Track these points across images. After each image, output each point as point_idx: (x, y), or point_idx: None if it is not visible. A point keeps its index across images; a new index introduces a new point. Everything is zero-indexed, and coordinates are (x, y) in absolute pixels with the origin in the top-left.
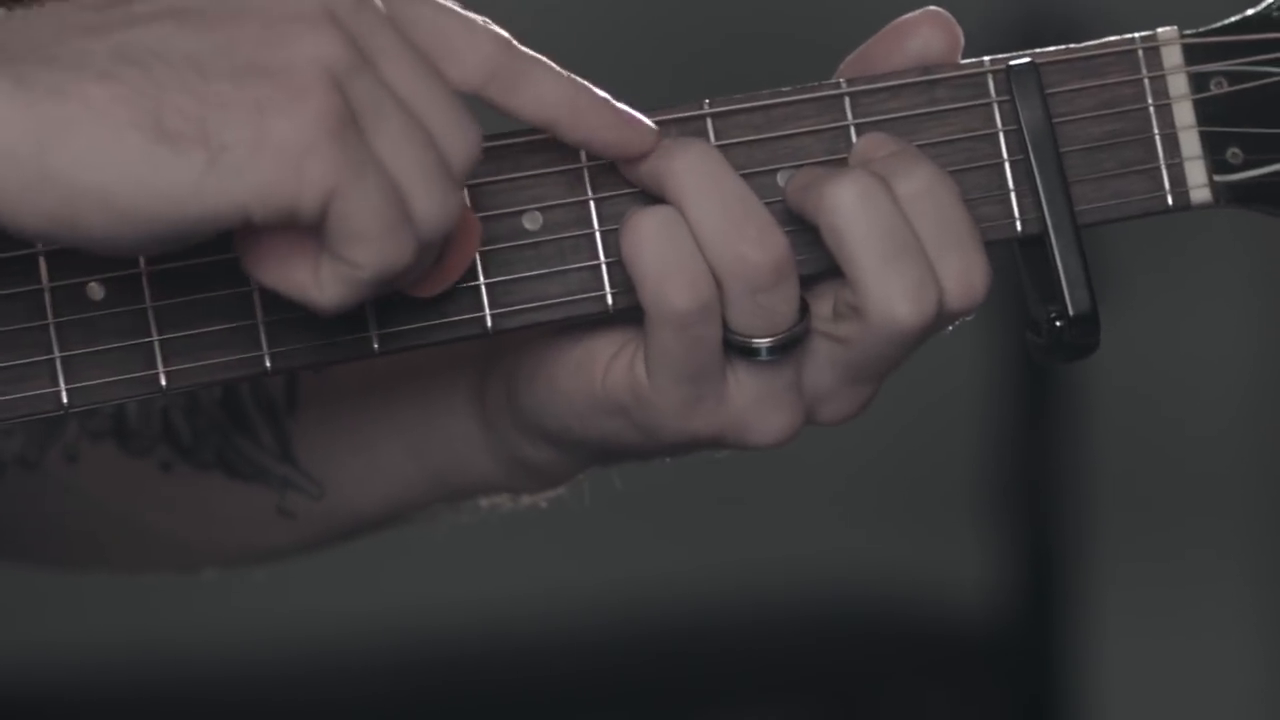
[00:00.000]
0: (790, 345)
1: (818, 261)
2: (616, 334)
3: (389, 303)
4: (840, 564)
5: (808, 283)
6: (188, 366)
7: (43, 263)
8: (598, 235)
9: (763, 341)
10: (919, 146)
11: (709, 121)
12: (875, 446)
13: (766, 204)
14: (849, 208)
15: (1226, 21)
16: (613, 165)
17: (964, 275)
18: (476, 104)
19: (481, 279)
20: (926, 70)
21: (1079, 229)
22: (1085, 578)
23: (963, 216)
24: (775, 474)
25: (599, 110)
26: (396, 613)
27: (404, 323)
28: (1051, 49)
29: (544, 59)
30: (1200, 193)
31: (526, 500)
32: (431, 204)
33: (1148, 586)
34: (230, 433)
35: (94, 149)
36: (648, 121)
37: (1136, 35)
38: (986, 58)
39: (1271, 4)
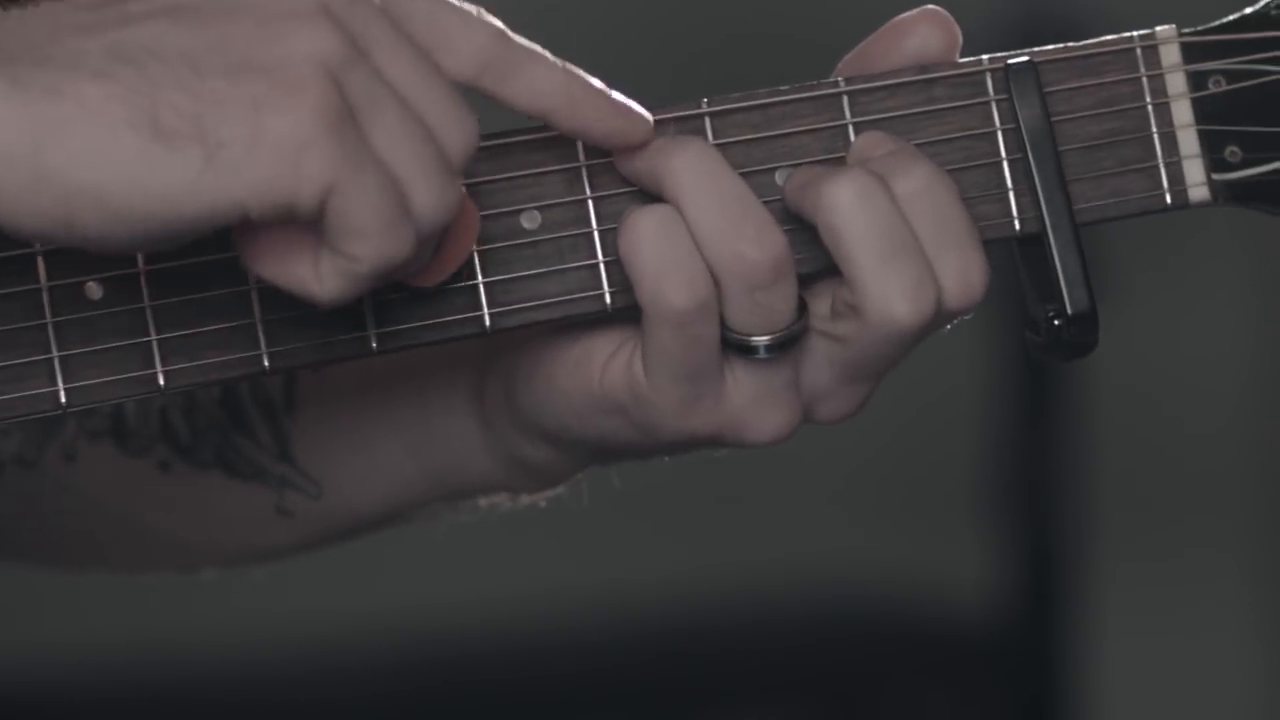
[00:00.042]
0: (788, 343)
1: (816, 260)
2: (614, 333)
3: (387, 302)
4: (840, 564)
5: (806, 281)
6: (186, 366)
7: (41, 262)
8: (596, 234)
9: (761, 340)
10: (917, 145)
11: (707, 120)
12: (875, 446)
13: (765, 203)
14: (847, 206)
15: (1224, 20)
16: (611, 164)
17: (962, 274)
18: (476, 103)
19: (480, 278)
20: (924, 69)
21: (1077, 227)
22: (1085, 577)
23: (961, 215)
24: (775, 474)
25: (594, 100)
26: (396, 613)
27: (402, 322)
28: (1050, 48)
29: (539, 49)
30: (1198, 191)
31: (525, 500)
32: (430, 197)
33: (1147, 586)
34: (229, 432)
35: (90, 149)
36: (643, 112)
37: (1135, 34)
38: (985, 56)
39: (1269, 2)
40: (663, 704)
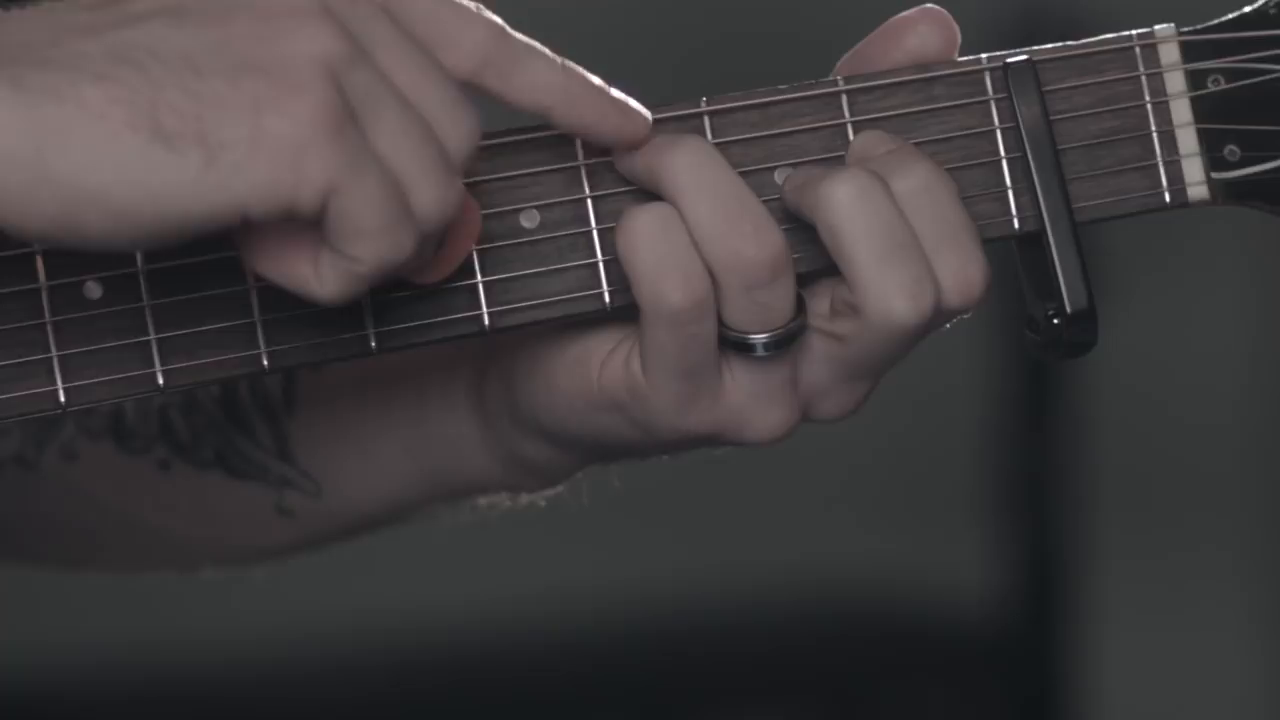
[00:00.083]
0: (786, 341)
1: (815, 259)
2: (613, 331)
3: (387, 301)
4: (840, 564)
5: (805, 280)
6: (185, 365)
7: (40, 261)
8: (595, 233)
9: (759, 338)
10: (916, 144)
11: (706, 119)
12: (875, 446)
13: (764, 202)
14: (846, 205)
15: (1223, 19)
16: (610, 164)
17: (961, 273)
18: (475, 103)
19: (479, 277)
20: (923, 68)
21: (1076, 226)
22: (1085, 577)
23: (960, 214)
24: (775, 474)
25: (593, 96)
26: (396, 613)
27: (401, 321)
28: (1049, 46)
29: (538, 45)
30: (1198, 190)
31: (525, 499)
32: (432, 196)
33: (1147, 585)
34: (228, 431)
35: (91, 151)
36: (642, 109)
37: (1134, 33)
38: (984, 55)
39: (1268, 2)
40: (663, 704)
